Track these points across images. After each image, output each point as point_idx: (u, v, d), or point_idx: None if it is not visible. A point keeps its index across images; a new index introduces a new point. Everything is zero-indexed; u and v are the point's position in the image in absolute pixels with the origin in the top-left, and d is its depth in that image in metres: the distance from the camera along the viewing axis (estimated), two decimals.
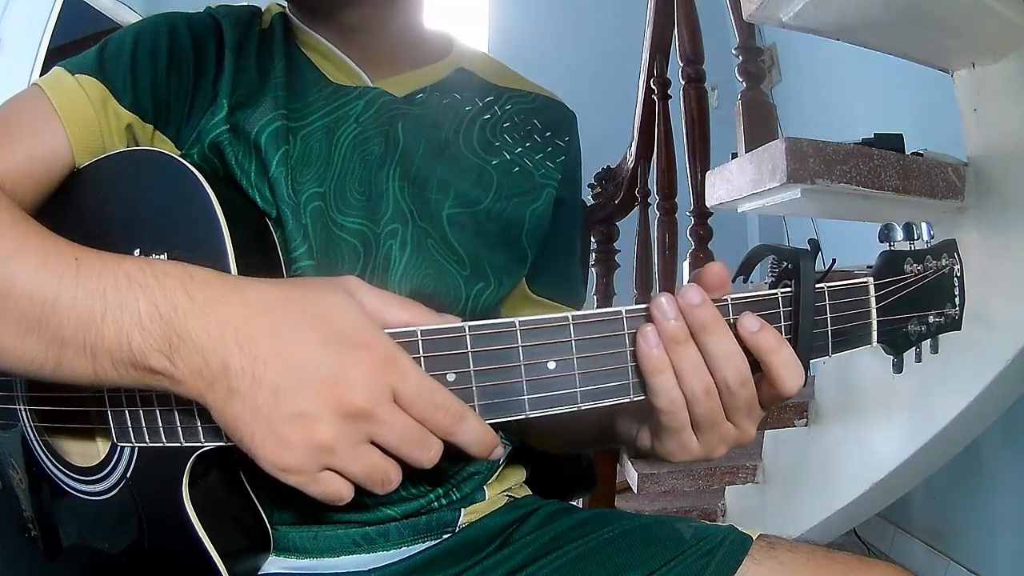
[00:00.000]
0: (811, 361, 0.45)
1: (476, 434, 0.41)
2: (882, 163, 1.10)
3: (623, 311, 0.43)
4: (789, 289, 0.45)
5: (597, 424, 0.56)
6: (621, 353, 0.43)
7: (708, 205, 1.39)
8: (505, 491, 0.66)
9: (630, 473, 1.64)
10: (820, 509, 1.50)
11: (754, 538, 0.55)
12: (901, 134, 1.22)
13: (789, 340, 0.44)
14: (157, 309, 0.38)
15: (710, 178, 1.34)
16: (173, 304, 0.38)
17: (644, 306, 0.43)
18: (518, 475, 0.70)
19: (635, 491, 1.64)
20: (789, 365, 0.43)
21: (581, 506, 1.16)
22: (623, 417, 0.52)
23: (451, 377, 0.42)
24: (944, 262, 0.51)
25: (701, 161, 1.58)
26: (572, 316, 0.42)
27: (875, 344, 0.48)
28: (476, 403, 0.42)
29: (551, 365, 0.42)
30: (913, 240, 0.50)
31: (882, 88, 2.10)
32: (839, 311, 0.47)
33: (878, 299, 0.48)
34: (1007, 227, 1.11)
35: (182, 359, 0.38)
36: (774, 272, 0.47)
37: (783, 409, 1.52)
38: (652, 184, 1.85)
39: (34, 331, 0.40)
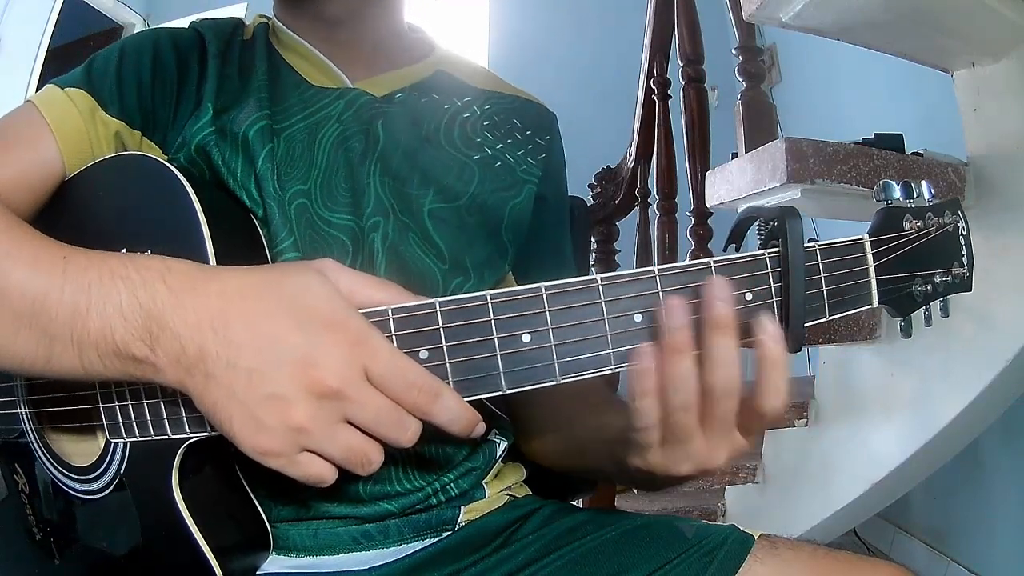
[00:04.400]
0: (806, 324, 0.43)
1: (453, 412, 0.40)
2: (882, 163, 1.10)
3: (599, 279, 0.41)
4: (777, 249, 0.43)
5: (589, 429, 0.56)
6: (599, 322, 0.41)
7: (708, 205, 1.40)
8: (504, 490, 0.67)
9: None
10: (820, 509, 1.50)
11: (756, 537, 0.55)
12: (901, 134, 1.22)
13: (780, 302, 0.42)
14: (138, 300, 0.39)
15: (710, 178, 1.35)
16: (152, 295, 0.39)
17: (620, 273, 0.42)
18: (517, 474, 0.70)
19: (635, 491, 1.64)
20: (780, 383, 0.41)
21: (581, 506, 1.15)
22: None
23: (424, 355, 0.41)
24: (947, 219, 0.47)
25: (701, 161, 1.58)
26: (545, 286, 0.41)
27: (876, 304, 0.46)
28: (451, 380, 0.41)
29: (526, 338, 0.41)
30: (912, 199, 0.47)
31: (882, 88, 2.09)
32: (833, 270, 0.44)
33: (876, 257, 0.45)
34: (1007, 227, 1.12)
35: (162, 347, 0.39)
36: (761, 234, 0.44)
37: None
38: (652, 184, 1.85)
39: (26, 327, 0.41)
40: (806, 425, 1.53)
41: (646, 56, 1.87)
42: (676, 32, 1.69)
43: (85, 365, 0.41)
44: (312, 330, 0.38)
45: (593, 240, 1.95)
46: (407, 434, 0.40)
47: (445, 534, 0.61)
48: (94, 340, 0.40)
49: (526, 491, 0.71)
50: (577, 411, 0.61)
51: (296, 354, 0.38)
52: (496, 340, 0.41)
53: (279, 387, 0.38)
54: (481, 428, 0.42)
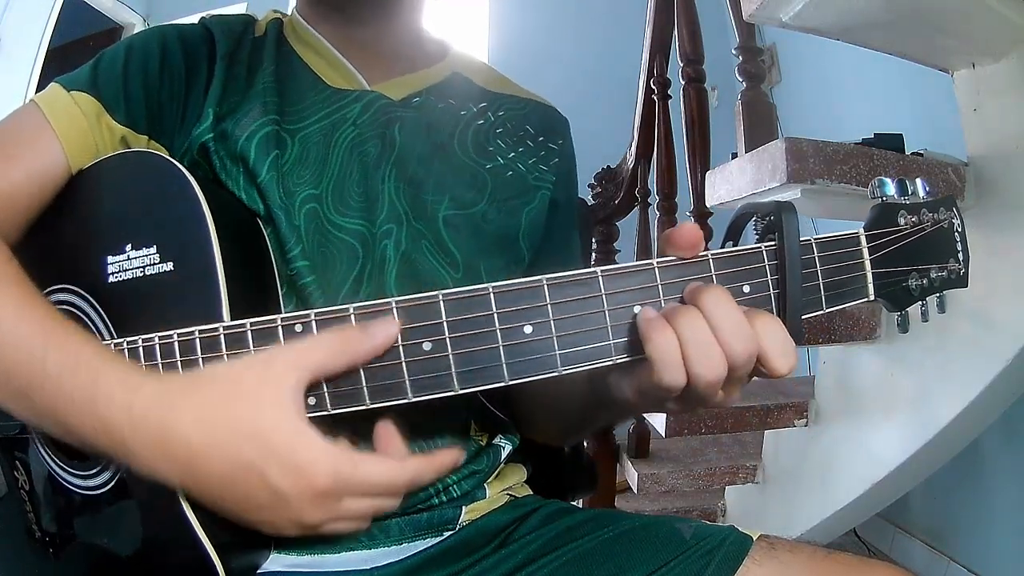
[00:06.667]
0: (804, 316, 0.43)
1: (429, 480, 0.46)
2: (882, 163, 1.10)
3: (599, 271, 0.42)
4: (774, 243, 0.43)
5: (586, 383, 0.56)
6: (599, 314, 0.42)
7: (708, 205, 1.40)
8: (505, 490, 0.67)
9: (630, 473, 1.64)
10: (820, 509, 1.50)
11: (754, 538, 0.55)
12: (901, 134, 1.22)
13: (777, 294, 0.43)
14: (107, 432, 0.42)
15: (710, 178, 1.35)
16: (119, 433, 0.41)
17: (619, 265, 0.42)
18: (519, 474, 0.70)
19: (635, 491, 1.64)
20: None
21: (581, 506, 1.16)
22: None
23: (427, 346, 0.42)
24: (942, 215, 0.48)
25: (701, 161, 1.58)
26: (546, 278, 0.42)
27: (873, 297, 0.46)
28: (454, 371, 0.42)
29: (527, 329, 0.41)
30: (907, 195, 0.47)
31: (882, 88, 2.09)
32: (829, 263, 0.45)
33: (871, 250, 0.46)
34: (1007, 227, 1.12)
35: (138, 469, 0.42)
36: (758, 230, 0.45)
37: (783, 409, 1.52)
38: (652, 184, 1.85)
39: (13, 401, 0.45)
40: (806, 425, 1.53)
41: (646, 56, 1.87)
42: (676, 32, 1.69)
43: (75, 444, 0.44)
44: (282, 485, 0.41)
45: (593, 240, 1.95)
46: (394, 506, 0.46)
47: (446, 534, 0.61)
48: (78, 437, 0.43)
49: (527, 491, 0.71)
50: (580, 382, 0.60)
51: (275, 505, 0.42)
52: (498, 331, 0.41)
53: (268, 521, 0.43)
54: (461, 459, 0.47)
